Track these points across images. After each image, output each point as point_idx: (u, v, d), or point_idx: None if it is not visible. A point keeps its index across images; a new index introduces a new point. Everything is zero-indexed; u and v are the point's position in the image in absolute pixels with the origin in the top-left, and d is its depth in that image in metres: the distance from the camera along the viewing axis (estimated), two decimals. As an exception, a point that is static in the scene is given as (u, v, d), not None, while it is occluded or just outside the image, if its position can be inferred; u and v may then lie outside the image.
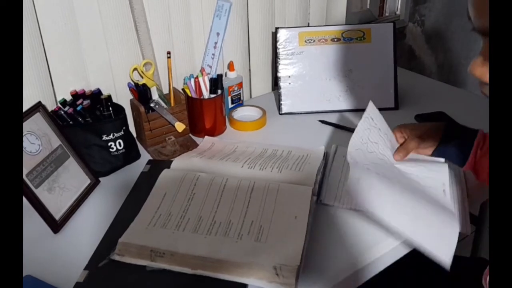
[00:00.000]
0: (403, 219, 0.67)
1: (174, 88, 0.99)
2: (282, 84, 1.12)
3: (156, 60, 0.98)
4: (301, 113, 1.11)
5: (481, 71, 0.45)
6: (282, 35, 1.11)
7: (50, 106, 0.86)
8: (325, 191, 0.80)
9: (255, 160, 0.88)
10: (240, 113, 1.09)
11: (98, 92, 0.91)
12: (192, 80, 1.00)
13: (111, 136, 0.86)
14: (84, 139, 0.85)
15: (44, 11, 0.82)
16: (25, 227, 0.66)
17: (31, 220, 0.71)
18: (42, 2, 0.81)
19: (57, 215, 0.74)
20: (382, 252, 0.69)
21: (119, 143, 0.88)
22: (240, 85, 1.10)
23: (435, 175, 0.79)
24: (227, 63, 1.09)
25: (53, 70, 0.87)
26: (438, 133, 0.82)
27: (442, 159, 0.83)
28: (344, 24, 1.30)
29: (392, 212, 0.67)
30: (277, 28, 1.11)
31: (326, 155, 0.91)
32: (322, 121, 1.07)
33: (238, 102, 1.12)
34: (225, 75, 1.09)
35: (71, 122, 0.85)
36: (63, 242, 0.72)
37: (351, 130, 1.01)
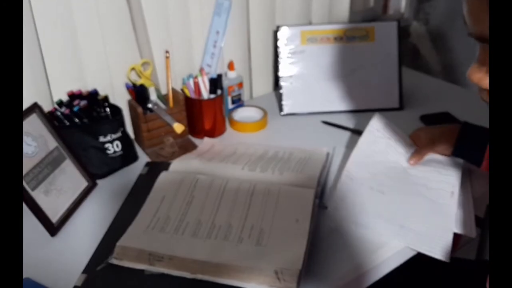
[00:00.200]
0: (388, 227, 0.72)
1: (173, 89, 1.00)
2: (283, 84, 1.13)
3: (154, 59, 0.99)
4: (303, 114, 1.12)
5: (478, 76, 0.46)
6: (283, 33, 1.12)
7: (47, 107, 0.86)
8: (328, 194, 0.81)
9: (256, 162, 0.88)
10: (241, 114, 1.09)
11: (95, 93, 0.91)
12: (191, 80, 1.01)
13: (108, 137, 0.87)
14: (81, 141, 0.85)
15: (41, 10, 0.82)
16: (22, 230, 0.67)
17: (28, 223, 0.71)
18: (38, 1, 0.82)
19: (54, 218, 0.75)
20: (385, 256, 0.69)
21: (117, 144, 0.89)
22: (240, 85, 1.11)
23: (446, 178, 0.81)
24: (227, 63, 1.10)
25: (49, 70, 0.88)
26: (453, 135, 0.84)
27: (461, 160, 0.85)
28: (347, 22, 1.31)
29: (375, 223, 0.73)
30: (278, 27, 1.12)
31: (328, 157, 0.91)
32: (325, 122, 1.08)
33: (238, 102, 1.13)
34: (225, 75, 1.10)
35: (67, 123, 0.85)
36: (60, 245, 0.73)
37: (354, 131, 1.02)
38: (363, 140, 0.87)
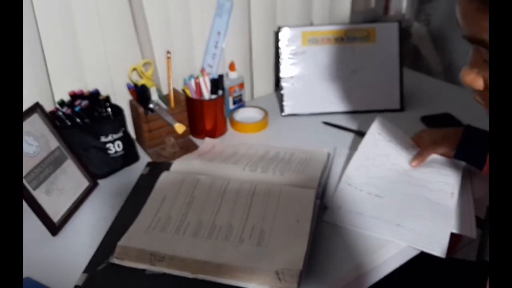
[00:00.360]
0: (385, 227, 0.74)
1: (174, 89, 1.01)
2: (284, 84, 1.13)
3: (156, 60, 1.00)
4: (304, 115, 1.13)
5: (470, 78, 0.47)
6: (284, 34, 1.12)
7: (48, 107, 0.87)
8: (328, 196, 0.82)
9: (257, 163, 0.89)
10: (242, 114, 1.10)
11: (96, 93, 0.92)
12: (193, 80, 1.01)
13: (109, 137, 0.88)
14: (82, 141, 0.86)
15: (43, 11, 0.83)
16: (24, 229, 0.67)
17: (29, 222, 0.72)
18: (40, 2, 0.82)
19: (56, 218, 0.76)
20: (386, 257, 0.70)
21: (118, 144, 0.89)
22: (241, 85, 1.12)
23: (446, 179, 0.83)
24: (228, 63, 1.10)
25: (51, 70, 0.88)
26: (456, 138, 0.84)
27: (463, 162, 0.86)
28: (348, 23, 1.31)
29: (372, 224, 0.74)
30: (279, 27, 1.12)
31: (329, 158, 0.92)
32: (326, 123, 1.08)
33: (239, 103, 1.13)
34: (226, 76, 1.11)
35: (69, 123, 0.86)
36: (61, 244, 0.73)
37: (355, 132, 1.03)
38: (364, 143, 0.89)
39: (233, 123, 1.07)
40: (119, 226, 0.74)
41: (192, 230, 0.72)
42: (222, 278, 0.64)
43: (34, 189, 0.74)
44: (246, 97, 1.18)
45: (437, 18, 1.66)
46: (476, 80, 0.47)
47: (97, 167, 0.88)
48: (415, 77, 1.32)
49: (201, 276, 0.64)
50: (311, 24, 1.26)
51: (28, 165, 0.74)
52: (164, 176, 0.84)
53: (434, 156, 0.88)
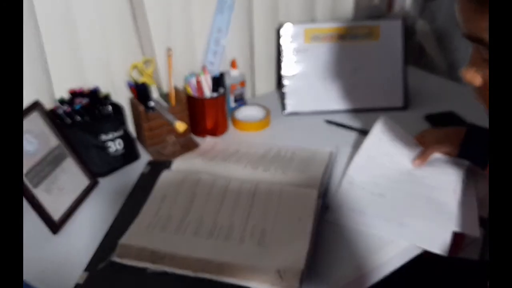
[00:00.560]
0: (387, 225, 0.75)
1: (175, 87, 1.01)
2: (286, 82, 1.14)
3: (157, 58, 1.00)
4: (306, 113, 1.13)
5: (470, 75, 0.49)
6: (287, 31, 1.13)
7: (48, 105, 0.88)
8: (330, 195, 0.82)
9: (258, 161, 0.89)
10: (243, 113, 1.10)
11: (96, 91, 0.93)
12: (193, 78, 1.02)
13: (110, 135, 0.88)
14: (82, 139, 0.87)
15: (43, 9, 0.84)
16: (24, 227, 0.68)
17: (29, 220, 0.73)
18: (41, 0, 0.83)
19: (56, 216, 0.76)
20: (388, 256, 0.70)
21: (118, 143, 0.90)
22: (242, 83, 1.12)
23: (448, 177, 0.84)
24: (230, 61, 1.11)
25: (51, 68, 0.89)
26: (459, 137, 0.85)
27: (466, 161, 0.87)
28: (352, 20, 1.31)
29: (374, 222, 0.75)
30: (281, 24, 1.13)
31: (332, 157, 0.92)
32: (328, 121, 1.09)
33: (240, 101, 1.14)
34: (228, 74, 1.11)
35: (69, 121, 0.87)
36: (62, 243, 0.74)
37: (358, 130, 1.03)
38: (368, 142, 0.90)
39: (235, 121, 1.08)
40: (120, 224, 0.75)
41: (193, 229, 0.73)
42: (224, 277, 0.64)
43: (35, 187, 0.75)
44: (248, 95, 1.18)
45: (441, 16, 1.66)
46: (475, 78, 0.48)
47: (97, 166, 0.89)
48: (419, 75, 1.32)
49: (202, 275, 0.65)
50: (314, 21, 1.26)
51: (28, 163, 0.75)
52: (164, 175, 0.85)
53: (437, 155, 0.89)
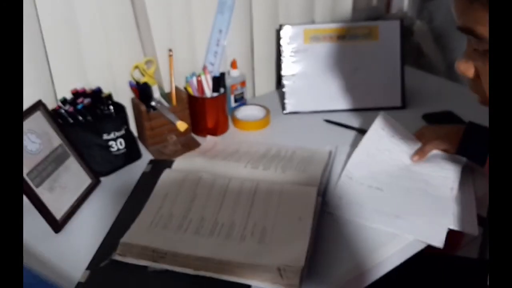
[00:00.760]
0: (384, 218, 0.75)
1: (176, 87, 1.01)
2: (286, 82, 1.13)
3: (158, 58, 1.00)
4: (305, 112, 1.13)
5: (463, 67, 0.50)
6: (286, 32, 1.12)
7: (51, 105, 0.87)
8: (329, 192, 0.82)
9: (259, 160, 0.89)
10: (243, 112, 1.10)
11: (98, 91, 0.92)
12: (194, 78, 1.01)
13: (111, 135, 0.88)
14: (84, 138, 0.86)
15: (45, 9, 0.83)
16: (26, 226, 0.68)
17: (32, 219, 0.72)
18: (43, 0, 0.82)
19: (58, 215, 0.76)
20: (387, 254, 0.70)
21: (120, 142, 0.89)
22: (243, 83, 1.12)
23: (446, 173, 0.84)
24: (230, 61, 1.10)
25: (53, 68, 0.89)
26: (458, 135, 0.85)
27: (464, 158, 0.87)
28: (350, 21, 1.31)
29: (372, 215, 0.76)
30: (281, 25, 1.12)
31: (331, 156, 0.92)
32: (328, 121, 1.08)
33: (241, 101, 1.13)
34: (228, 74, 1.11)
35: (71, 121, 0.86)
36: (64, 241, 0.74)
37: (357, 129, 1.03)
38: (367, 138, 0.90)
39: (235, 121, 1.08)
40: (122, 223, 0.74)
41: (194, 227, 0.72)
42: (224, 275, 0.64)
43: (37, 186, 0.74)
44: (248, 95, 1.18)
45: (439, 16, 1.66)
46: (468, 69, 0.50)
47: (99, 165, 0.88)
48: (417, 75, 1.32)
49: (203, 273, 0.64)
50: (313, 22, 1.26)
51: (31, 162, 0.75)
52: (166, 174, 0.85)
53: (435, 152, 0.89)
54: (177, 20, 1.01)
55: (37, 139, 0.77)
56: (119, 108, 0.91)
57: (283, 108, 1.14)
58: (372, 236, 0.72)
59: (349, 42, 1.13)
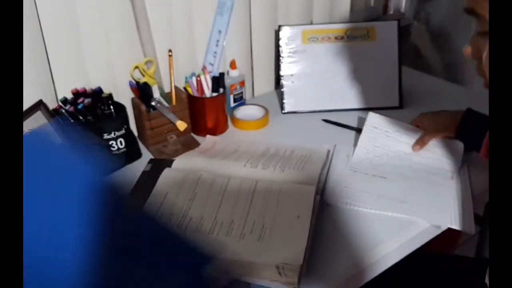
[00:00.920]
0: (388, 203, 0.77)
1: (176, 87, 1.01)
2: (285, 82, 1.13)
3: (158, 58, 1.00)
4: (304, 112, 1.13)
5: (468, 49, 0.52)
6: (285, 33, 1.12)
7: (51, 105, 0.87)
8: (328, 190, 0.82)
9: (258, 159, 0.89)
10: (242, 112, 1.10)
11: (99, 91, 0.92)
12: (194, 78, 1.01)
13: (112, 134, 0.88)
14: (85, 138, 0.86)
15: (46, 9, 0.83)
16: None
17: (32, 218, 0.72)
18: (43, 0, 0.82)
19: (59, 214, 0.76)
20: (385, 252, 0.70)
21: (120, 141, 0.89)
22: (242, 83, 1.12)
23: (446, 164, 0.87)
24: (229, 61, 1.10)
25: (54, 68, 0.89)
26: (456, 120, 0.87)
27: (461, 144, 0.89)
28: (348, 22, 1.31)
29: (378, 202, 0.78)
30: (280, 26, 1.12)
31: (329, 155, 0.92)
32: (326, 120, 1.08)
33: (240, 101, 1.13)
34: (227, 74, 1.11)
35: (72, 121, 0.86)
36: (64, 241, 0.73)
37: (355, 129, 1.03)
38: (362, 138, 0.92)
39: (234, 120, 1.07)
40: (122, 222, 0.74)
41: (194, 226, 0.72)
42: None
43: (38, 185, 0.74)
44: (247, 95, 1.18)
45: (436, 17, 1.66)
46: (471, 51, 0.52)
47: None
48: (414, 75, 1.32)
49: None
50: (311, 23, 1.25)
51: (31, 161, 0.74)
52: (166, 173, 0.84)
53: (435, 142, 0.91)
54: (177, 21, 1.01)
55: (38, 138, 0.77)
56: (120, 108, 0.91)
57: (282, 108, 1.13)
58: (370, 233, 0.72)
59: (347, 43, 1.13)
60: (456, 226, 0.73)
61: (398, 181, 0.83)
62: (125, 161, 0.91)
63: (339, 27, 1.13)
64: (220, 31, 1.06)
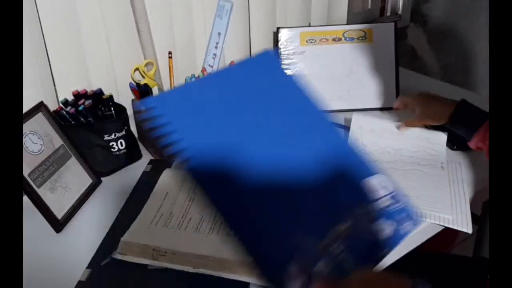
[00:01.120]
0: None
1: (176, 88, 1.00)
2: (283, 84, 1.13)
3: (158, 60, 0.99)
4: (302, 113, 1.12)
5: None
6: (283, 35, 1.12)
7: (52, 106, 0.87)
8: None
9: (257, 160, 0.88)
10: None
11: (99, 92, 0.92)
12: (194, 80, 1.01)
13: (112, 136, 0.87)
14: (86, 139, 0.86)
15: (46, 11, 0.83)
16: (28, 226, 0.66)
17: (33, 219, 0.72)
18: (44, 2, 0.82)
19: (59, 215, 0.75)
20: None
21: (121, 143, 0.89)
22: (241, 85, 1.11)
23: (434, 156, 0.89)
24: (229, 63, 1.10)
25: (55, 70, 0.88)
26: (449, 110, 0.85)
27: (444, 134, 0.91)
28: (346, 24, 1.31)
29: None
30: (278, 28, 1.12)
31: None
32: (324, 121, 1.08)
33: (239, 102, 1.12)
34: (227, 75, 1.10)
35: (73, 122, 0.86)
36: (65, 241, 0.73)
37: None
38: (350, 139, 0.94)
39: (234, 121, 1.07)
40: (122, 222, 0.73)
41: (193, 226, 0.71)
42: (223, 272, 0.63)
43: (39, 186, 0.73)
44: (246, 97, 1.17)
45: (433, 19, 1.66)
46: None
47: (100, 165, 0.87)
48: (411, 77, 1.31)
49: (202, 271, 0.64)
50: (309, 25, 1.25)
51: (32, 163, 0.74)
52: (166, 174, 0.84)
53: (421, 134, 0.92)
54: (177, 23, 1.01)
55: (39, 140, 0.76)
56: (120, 109, 0.91)
57: (281, 109, 1.13)
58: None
59: (345, 44, 1.13)
60: (453, 225, 0.73)
61: (394, 176, 0.82)
62: (125, 162, 0.91)
63: (336, 29, 1.12)
64: (219, 33, 1.05)
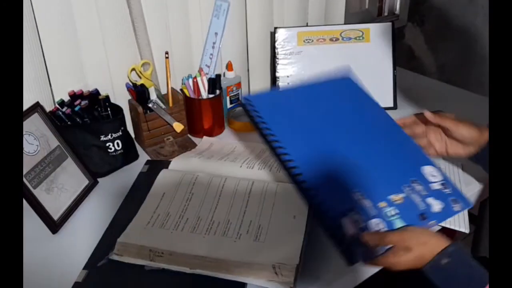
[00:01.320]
0: None
1: (172, 88, 1.00)
2: (280, 84, 1.13)
3: (154, 60, 0.99)
4: (300, 113, 1.12)
5: None
6: (280, 35, 1.12)
7: (48, 107, 0.87)
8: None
9: (254, 160, 0.88)
10: (239, 114, 1.09)
11: (96, 93, 0.91)
12: (191, 80, 1.01)
13: (109, 136, 0.87)
14: (82, 140, 0.85)
15: (42, 12, 0.82)
16: (24, 227, 0.66)
17: (29, 220, 0.71)
18: (40, 3, 0.82)
19: (56, 216, 0.75)
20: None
21: (117, 143, 0.88)
22: (238, 85, 1.11)
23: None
24: (226, 63, 1.10)
25: (51, 70, 0.88)
26: (482, 136, 0.72)
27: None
28: (343, 24, 1.31)
29: None
30: (275, 28, 1.12)
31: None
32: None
33: (236, 102, 1.13)
34: (224, 75, 1.10)
35: (69, 123, 0.85)
36: (61, 242, 0.73)
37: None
38: None
39: (231, 122, 1.07)
40: (119, 223, 0.73)
41: (190, 226, 0.71)
42: (220, 273, 0.63)
43: (35, 187, 0.73)
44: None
45: (430, 19, 1.66)
46: None
47: (97, 166, 0.87)
48: (408, 76, 1.32)
49: (199, 271, 0.64)
50: (307, 25, 1.25)
51: (28, 164, 0.74)
52: (163, 174, 0.84)
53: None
54: (173, 23, 1.00)
55: (35, 140, 0.76)
56: (116, 109, 0.91)
57: (278, 109, 1.13)
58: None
59: (342, 44, 1.13)
60: (450, 225, 0.73)
61: None
62: (122, 162, 0.91)
63: (334, 29, 1.12)
64: (216, 33, 1.05)
